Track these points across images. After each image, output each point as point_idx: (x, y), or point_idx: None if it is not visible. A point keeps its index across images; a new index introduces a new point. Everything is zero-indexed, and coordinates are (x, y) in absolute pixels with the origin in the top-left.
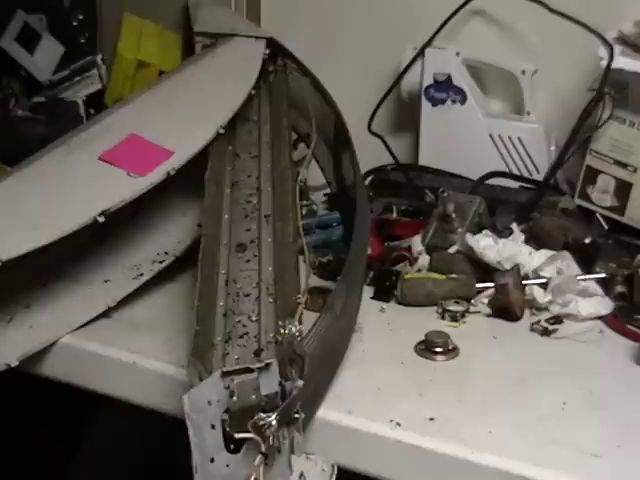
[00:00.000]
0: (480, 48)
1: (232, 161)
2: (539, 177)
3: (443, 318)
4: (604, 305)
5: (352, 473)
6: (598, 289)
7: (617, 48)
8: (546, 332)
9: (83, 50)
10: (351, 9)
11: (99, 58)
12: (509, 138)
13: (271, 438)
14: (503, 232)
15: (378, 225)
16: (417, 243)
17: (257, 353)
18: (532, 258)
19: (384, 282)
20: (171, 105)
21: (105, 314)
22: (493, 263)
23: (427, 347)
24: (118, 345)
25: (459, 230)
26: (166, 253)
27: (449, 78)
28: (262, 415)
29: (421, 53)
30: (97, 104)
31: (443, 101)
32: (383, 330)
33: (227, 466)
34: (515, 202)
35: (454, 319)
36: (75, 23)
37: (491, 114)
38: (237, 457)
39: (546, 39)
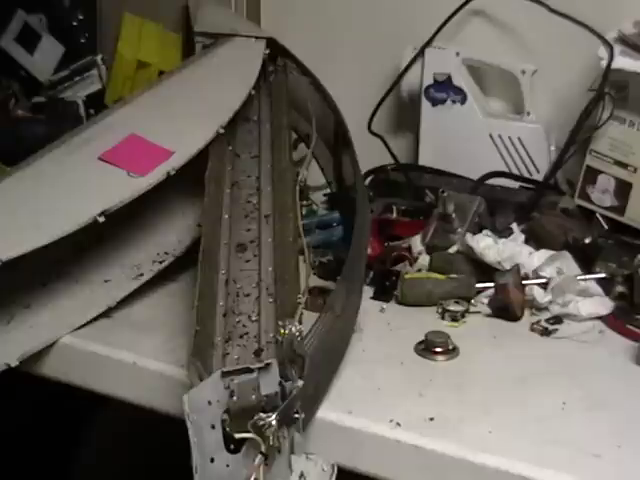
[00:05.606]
0: (480, 48)
1: (232, 161)
2: (539, 177)
3: (443, 318)
4: (604, 305)
5: (352, 473)
6: (598, 289)
7: (617, 48)
8: (546, 332)
9: (83, 50)
10: (351, 9)
11: (99, 58)
12: (509, 138)
13: (271, 438)
14: (503, 232)
15: (378, 225)
16: (417, 243)
17: (257, 353)
18: (532, 258)
19: (384, 282)
20: (171, 105)
21: (105, 314)
22: (493, 263)
23: (427, 347)
24: (118, 345)
25: (459, 230)
26: (166, 253)
27: (449, 78)
28: (262, 415)
29: (421, 53)
30: (97, 104)
31: (443, 101)
32: (383, 330)
33: (227, 466)
34: (515, 202)
35: (454, 319)
36: (75, 23)
37: (491, 114)
38: (237, 457)
39: (546, 39)
